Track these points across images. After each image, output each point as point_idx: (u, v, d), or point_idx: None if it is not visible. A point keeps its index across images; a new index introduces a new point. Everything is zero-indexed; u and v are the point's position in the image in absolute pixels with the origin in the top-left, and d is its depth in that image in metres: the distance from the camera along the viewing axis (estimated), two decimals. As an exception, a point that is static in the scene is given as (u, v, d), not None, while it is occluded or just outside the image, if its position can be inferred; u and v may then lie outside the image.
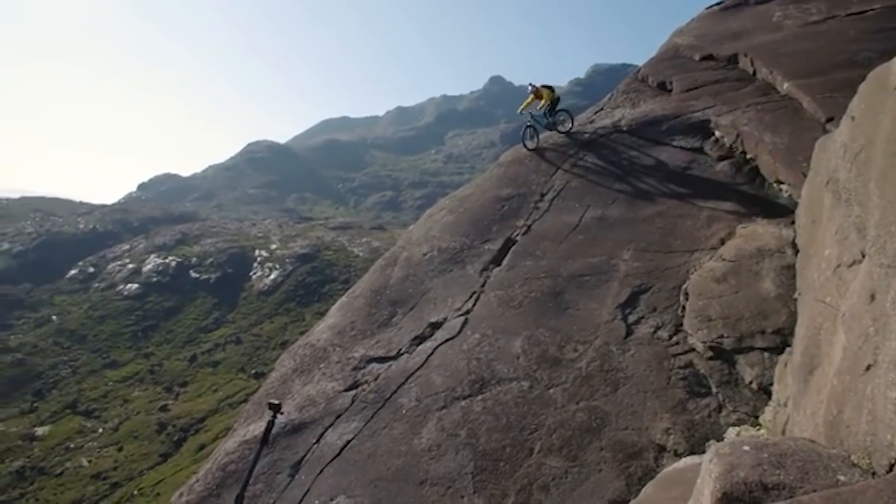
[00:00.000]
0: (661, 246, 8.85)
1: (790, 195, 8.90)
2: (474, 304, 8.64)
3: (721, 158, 10.54)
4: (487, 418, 6.77)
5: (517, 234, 9.97)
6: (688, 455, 5.69)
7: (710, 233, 8.82)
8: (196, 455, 39.06)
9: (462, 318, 8.41)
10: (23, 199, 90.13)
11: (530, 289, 8.60)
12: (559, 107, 12.85)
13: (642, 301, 7.86)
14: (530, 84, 13.22)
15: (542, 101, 12.70)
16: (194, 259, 70.02)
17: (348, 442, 7.06)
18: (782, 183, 9.21)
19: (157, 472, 39.60)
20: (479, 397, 7.07)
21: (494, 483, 6.08)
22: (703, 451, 5.61)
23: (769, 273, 7.30)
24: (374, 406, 7.44)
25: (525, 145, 12.31)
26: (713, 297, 7.34)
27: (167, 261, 69.20)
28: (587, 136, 12.37)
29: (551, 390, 6.91)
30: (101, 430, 45.30)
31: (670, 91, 13.53)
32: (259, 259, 71.29)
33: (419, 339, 8.33)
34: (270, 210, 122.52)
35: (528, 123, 12.44)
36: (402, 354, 8.17)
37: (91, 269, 68.38)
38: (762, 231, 8.29)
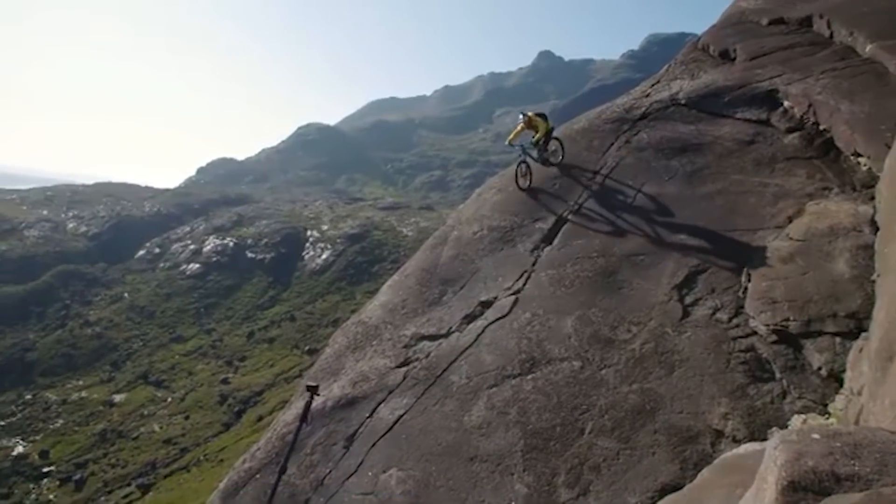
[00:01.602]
0: (721, 225, 8.44)
1: (869, 168, 8.23)
2: (525, 284, 8.57)
3: (790, 130, 9.85)
4: (538, 397, 6.76)
5: (568, 213, 9.77)
6: (747, 441, 5.49)
7: (775, 210, 8.32)
8: (255, 425, 41.34)
9: (513, 298, 8.37)
10: (96, 184, 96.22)
11: (582, 268, 8.43)
12: (553, 135, 11.35)
13: (700, 282, 7.56)
14: (521, 113, 11.73)
15: (537, 133, 11.14)
16: (250, 240, 73.03)
17: (400, 417, 7.25)
18: (860, 155, 8.52)
19: (221, 440, 42.28)
20: (530, 376, 7.06)
21: (544, 462, 6.10)
22: (765, 438, 5.39)
23: (843, 253, 6.83)
24: (426, 383, 7.58)
25: (518, 185, 10.92)
26: (778, 278, 6.95)
27: (225, 241, 72.55)
28: (642, 110, 11.85)
29: (603, 371, 6.81)
30: (169, 400, 48.72)
31: (734, 60, 12.70)
32: (311, 239, 73.52)
33: (469, 318, 8.37)
34: (321, 191, 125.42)
35: (521, 159, 11.08)
36: (452, 333, 8.25)
37: (157, 250, 72.68)
38: (836, 208, 7.74)
